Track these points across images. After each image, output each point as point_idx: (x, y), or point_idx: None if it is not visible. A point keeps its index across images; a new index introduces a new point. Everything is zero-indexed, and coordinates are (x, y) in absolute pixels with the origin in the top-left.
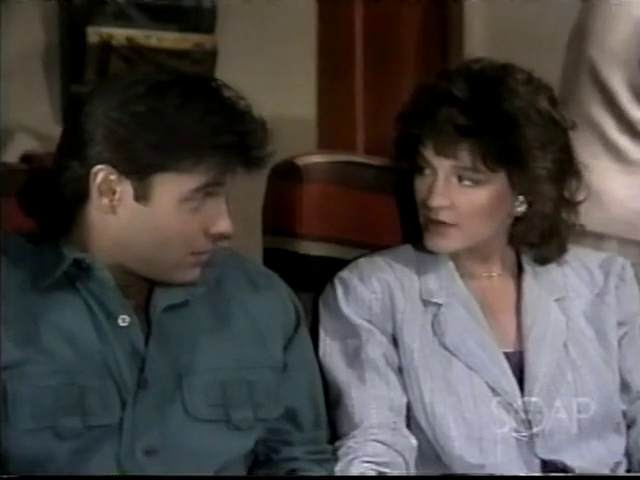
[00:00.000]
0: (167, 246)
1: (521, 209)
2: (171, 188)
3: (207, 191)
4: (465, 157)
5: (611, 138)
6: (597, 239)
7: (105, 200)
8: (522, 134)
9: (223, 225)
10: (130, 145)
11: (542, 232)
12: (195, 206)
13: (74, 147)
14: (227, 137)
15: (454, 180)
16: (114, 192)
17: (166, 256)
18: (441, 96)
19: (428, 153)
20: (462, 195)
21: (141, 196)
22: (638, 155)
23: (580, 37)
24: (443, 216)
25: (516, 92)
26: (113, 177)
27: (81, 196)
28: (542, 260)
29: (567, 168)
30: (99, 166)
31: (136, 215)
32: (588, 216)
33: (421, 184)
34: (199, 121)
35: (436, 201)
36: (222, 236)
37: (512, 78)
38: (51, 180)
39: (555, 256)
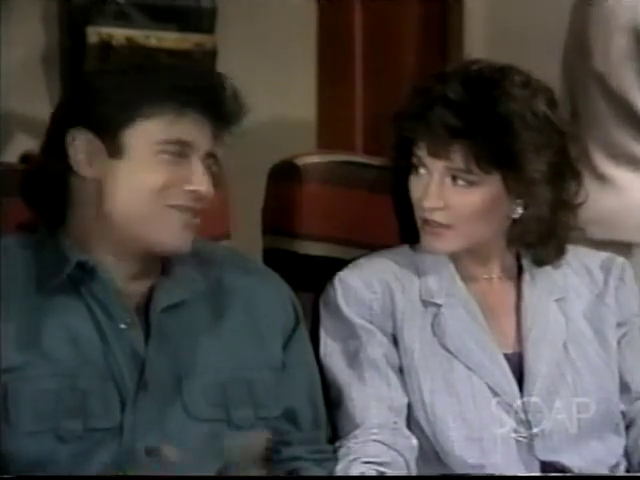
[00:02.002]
0: (143, 198)
1: (518, 211)
2: (141, 139)
3: (178, 148)
4: (458, 158)
5: (630, 147)
6: (625, 247)
7: (83, 163)
8: (516, 137)
9: (197, 183)
10: (96, 103)
11: (539, 234)
12: (169, 160)
13: (53, 122)
14: (182, 79)
15: (448, 181)
16: (90, 156)
17: (144, 210)
18: (435, 98)
19: (422, 154)
20: (456, 196)
21: (115, 152)
22: None
23: (582, 53)
24: (437, 217)
25: (512, 95)
26: (87, 137)
27: (65, 170)
28: (540, 262)
29: (564, 170)
30: (74, 129)
31: (114, 172)
32: (617, 226)
33: (416, 184)
34: (155, 69)
35: (430, 202)
36: (198, 195)
37: (509, 80)
38: (42, 165)
39: (553, 258)
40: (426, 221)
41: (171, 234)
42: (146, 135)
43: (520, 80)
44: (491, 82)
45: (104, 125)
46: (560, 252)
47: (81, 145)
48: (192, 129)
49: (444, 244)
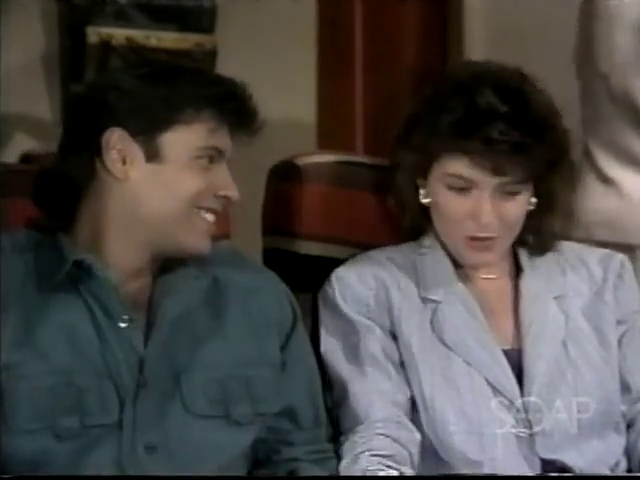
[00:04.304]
0: (178, 201)
1: (531, 204)
2: (180, 144)
3: (211, 155)
4: (517, 174)
5: (634, 148)
6: (628, 249)
7: (118, 164)
8: (559, 141)
9: (230, 189)
10: (136, 105)
11: (543, 221)
12: (204, 166)
13: (82, 120)
14: (220, 88)
15: (497, 194)
16: (125, 157)
17: (177, 212)
18: (484, 112)
19: (470, 171)
20: (504, 207)
21: (152, 156)
22: None
23: (587, 54)
24: (491, 231)
25: (538, 100)
26: (125, 139)
27: (88, 173)
28: (537, 251)
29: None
30: (111, 128)
31: (149, 175)
32: (618, 227)
33: (459, 201)
34: (194, 76)
35: (487, 218)
36: (229, 201)
37: (528, 84)
38: (58, 165)
39: (548, 243)
40: (474, 236)
41: (198, 238)
42: (186, 141)
43: (532, 80)
44: (522, 92)
45: (144, 128)
46: (554, 237)
47: (118, 147)
48: (226, 137)
49: (490, 256)
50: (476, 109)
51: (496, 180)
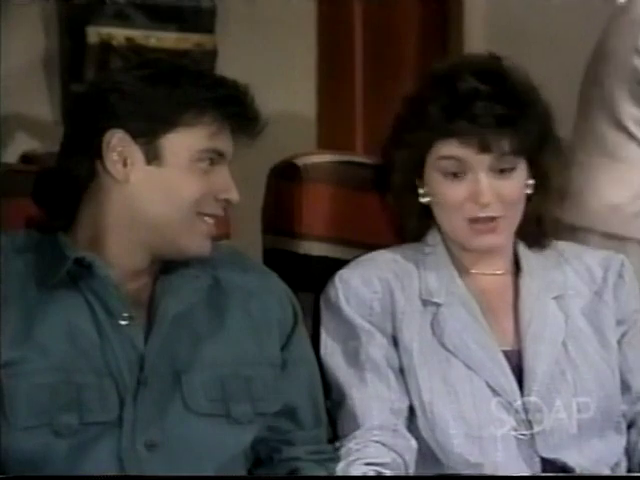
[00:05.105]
0: (179, 206)
1: (528, 188)
2: (181, 147)
3: (212, 158)
4: (505, 147)
5: (603, 135)
6: (583, 232)
7: (119, 166)
8: (541, 115)
9: (231, 192)
10: (138, 106)
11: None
12: (205, 168)
13: (83, 121)
14: (223, 90)
15: (492, 174)
16: (125, 159)
17: (177, 217)
18: (465, 94)
19: (464, 153)
20: (502, 187)
21: (153, 158)
22: (627, 152)
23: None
24: (492, 211)
25: (515, 77)
26: (126, 141)
27: (89, 174)
28: (537, 244)
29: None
30: (112, 130)
31: (149, 178)
32: (573, 210)
33: (455, 186)
34: (197, 78)
35: (487, 197)
36: (229, 204)
37: (503, 64)
38: (60, 165)
39: (548, 233)
40: (475, 219)
41: (198, 241)
42: (187, 144)
43: (511, 63)
44: (499, 72)
45: (145, 130)
46: (552, 229)
47: (118, 148)
48: (228, 140)
49: (497, 238)
50: (459, 93)
51: (487, 158)
